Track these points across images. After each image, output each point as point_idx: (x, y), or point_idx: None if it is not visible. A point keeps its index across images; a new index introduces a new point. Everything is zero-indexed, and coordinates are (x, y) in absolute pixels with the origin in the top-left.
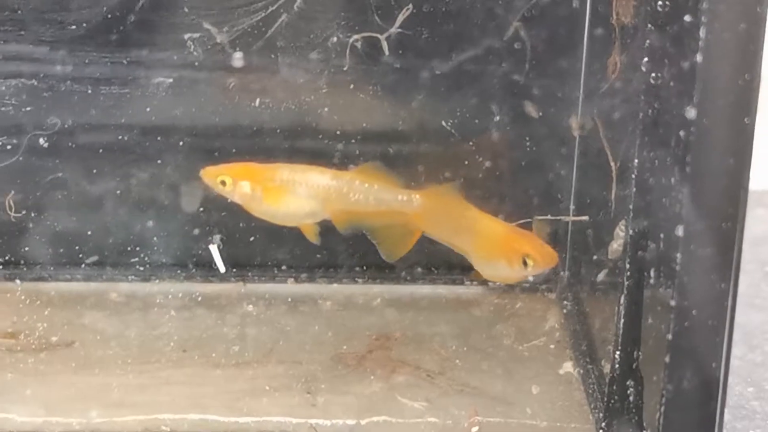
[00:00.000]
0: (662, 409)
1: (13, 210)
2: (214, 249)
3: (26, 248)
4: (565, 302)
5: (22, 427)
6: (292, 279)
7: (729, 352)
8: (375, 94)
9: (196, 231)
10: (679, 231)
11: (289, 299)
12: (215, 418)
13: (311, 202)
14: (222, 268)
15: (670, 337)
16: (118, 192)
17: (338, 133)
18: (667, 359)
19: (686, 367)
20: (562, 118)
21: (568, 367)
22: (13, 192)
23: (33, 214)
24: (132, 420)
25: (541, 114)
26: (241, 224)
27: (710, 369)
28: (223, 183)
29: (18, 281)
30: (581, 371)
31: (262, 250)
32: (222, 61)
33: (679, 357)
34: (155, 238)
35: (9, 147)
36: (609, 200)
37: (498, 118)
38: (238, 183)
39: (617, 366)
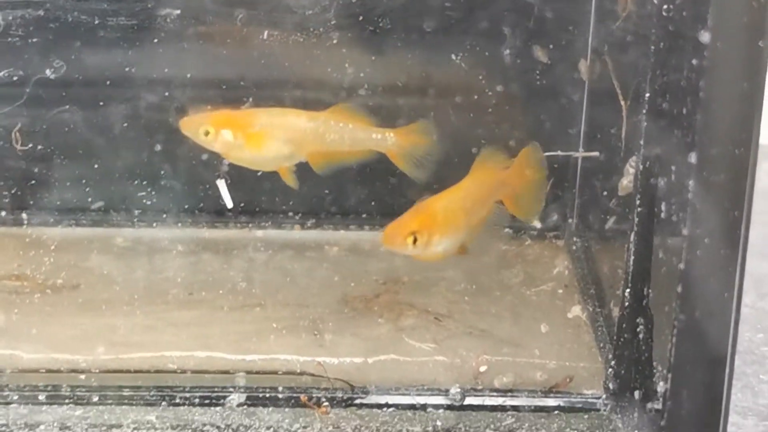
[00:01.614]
0: (674, 340)
1: (20, 143)
2: (221, 184)
3: (32, 193)
4: (573, 248)
5: (29, 363)
6: (299, 225)
7: (741, 281)
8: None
9: (202, 175)
10: (692, 158)
11: (296, 245)
12: (222, 355)
13: (290, 145)
14: (229, 203)
15: (682, 266)
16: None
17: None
18: (678, 289)
19: (698, 298)
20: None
21: (576, 310)
22: (20, 125)
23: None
24: (138, 357)
25: (549, 59)
26: (247, 170)
27: (722, 299)
28: (206, 133)
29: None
30: (589, 315)
31: (269, 196)
32: None
33: (690, 287)
34: (162, 183)
35: (15, 78)
36: (619, 140)
37: (508, 59)
38: (220, 132)
39: (627, 304)
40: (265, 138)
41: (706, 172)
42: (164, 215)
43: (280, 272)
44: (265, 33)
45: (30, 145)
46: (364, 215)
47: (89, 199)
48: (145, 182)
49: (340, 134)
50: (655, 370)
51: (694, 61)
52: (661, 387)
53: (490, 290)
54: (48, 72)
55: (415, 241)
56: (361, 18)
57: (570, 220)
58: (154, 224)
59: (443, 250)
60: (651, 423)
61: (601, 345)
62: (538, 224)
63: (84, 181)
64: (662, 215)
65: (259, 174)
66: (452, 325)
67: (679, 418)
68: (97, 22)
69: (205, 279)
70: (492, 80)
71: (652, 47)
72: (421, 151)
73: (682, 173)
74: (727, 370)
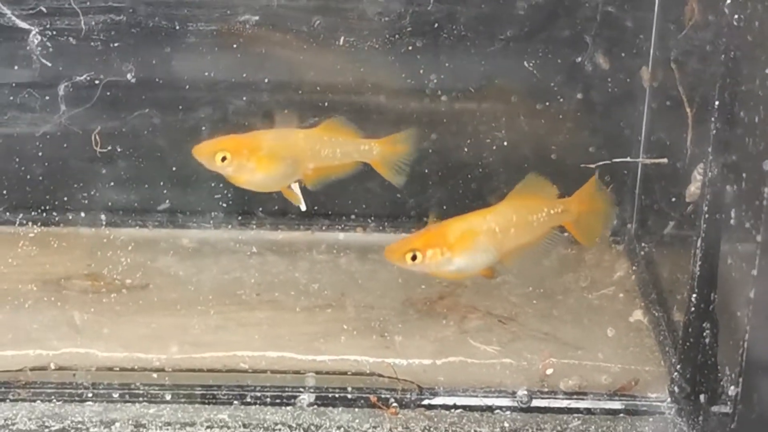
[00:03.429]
0: (745, 345)
1: (99, 145)
2: (295, 187)
3: (102, 195)
4: (633, 253)
5: (104, 362)
6: (361, 228)
7: None
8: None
9: None
10: (766, 165)
11: (358, 248)
12: (293, 355)
13: (294, 163)
14: (303, 206)
15: (755, 272)
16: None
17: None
18: (751, 294)
19: None
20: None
21: (638, 315)
22: (99, 127)
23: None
24: (210, 357)
25: (610, 65)
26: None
27: None
28: (224, 159)
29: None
30: (651, 319)
31: (331, 199)
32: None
33: (764, 292)
34: (227, 187)
35: (95, 81)
36: (684, 147)
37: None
38: (235, 157)
39: (693, 308)
40: (271, 160)
41: None
42: (229, 217)
43: (345, 274)
44: (341, 39)
45: (109, 147)
46: (425, 219)
47: (157, 201)
48: (213, 184)
49: (333, 148)
50: (721, 375)
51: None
52: (731, 391)
53: (552, 294)
54: (127, 76)
55: (414, 258)
56: (436, 25)
57: (629, 225)
58: (219, 225)
59: (457, 270)
60: (718, 426)
61: (664, 349)
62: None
63: (153, 182)
64: (732, 221)
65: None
66: (516, 328)
67: (749, 421)
68: (177, 27)
69: (272, 280)
70: (557, 88)
71: (723, 56)
72: (402, 159)
73: (755, 180)
74: None
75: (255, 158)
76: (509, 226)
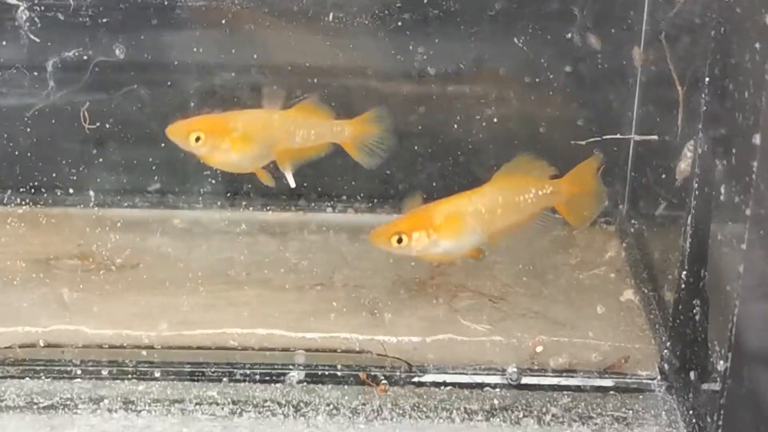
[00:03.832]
0: (734, 320)
1: (88, 122)
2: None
3: (92, 174)
4: (624, 233)
5: (93, 339)
6: (352, 209)
7: None
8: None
9: None
10: (756, 139)
11: (350, 228)
12: (282, 333)
13: (268, 144)
14: (292, 184)
15: (744, 246)
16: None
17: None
18: (740, 269)
19: (760, 277)
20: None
21: (628, 294)
22: (88, 103)
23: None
24: (200, 334)
25: (602, 44)
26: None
27: None
28: (197, 139)
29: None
30: (642, 298)
31: (323, 180)
32: None
33: (753, 267)
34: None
35: (83, 58)
36: (675, 125)
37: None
38: (209, 137)
39: (683, 285)
40: (246, 140)
41: None
42: (219, 197)
43: (337, 254)
44: (330, 15)
45: (97, 124)
46: (417, 198)
47: (148, 181)
48: (202, 164)
49: (307, 130)
50: (711, 351)
51: (757, 45)
52: (720, 366)
53: (543, 274)
54: (116, 53)
55: (400, 240)
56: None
57: (621, 206)
58: (211, 206)
59: (443, 252)
60: (708, 402)
61: (654, 327)
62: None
63: (143, 162)
64: (722, 198)
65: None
66: (506, 307)
67: (738, 396)
68: (166, 2)
69: (262, 259)
70: (547, 65)
71: (713, 31)
72: (373, 139)
73: (745, 155)
74: None
75: (229, 139)
76: (496, 207)
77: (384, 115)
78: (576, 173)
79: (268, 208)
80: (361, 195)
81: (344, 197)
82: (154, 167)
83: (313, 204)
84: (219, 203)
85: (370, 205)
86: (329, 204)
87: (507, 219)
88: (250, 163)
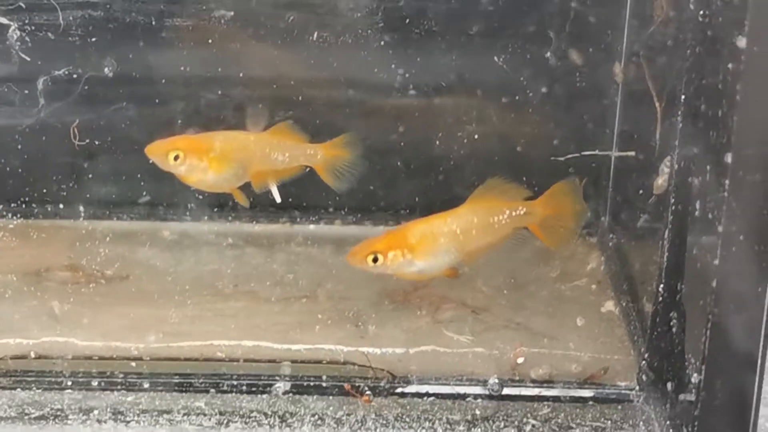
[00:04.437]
0: (708, 333)
1: (77, 138)
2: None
3: (82, 188)
4: (605, 245)
5: (83, 350)
6: (339, 221)
7: None
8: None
9: None
10: (728, 158)
11: (336, 240)
12: (269, 345)
13: (244, 165)
14: (278, 198)
15: (717, 262)
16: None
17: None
18: (713, 284)
19: (732, 293)
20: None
21: (609, 305)
22: (78, 121)
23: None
24: (188, 346)
25: (583, 61)
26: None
27: (755, 294)
28: (176, 158)
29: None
30: (622, 310)
31: (309, 192)
32: None
33: (725, 282)
34: None
35: (73, 76)
36: (652, 141)
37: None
38: (188, 157)
39: (661, 298)
40: (223, 161)
41: (741, 172)
42: (208, 210)
43: (322, 266)
44: (315, 35)
45: (87, 141)
46: (402, 211)
47: (137, 194)
48: None
49: (281, 152)
50: (687, 363)
51: (730, 65)
52: (694, 379)
53: (526, 285)
54: (105, 70)
55: (375, 260)
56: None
57: (603, 218)
58: (199, 218)
59: (418, 271)
60: (683, 413)
61: (634, 339)
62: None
63: (133, 175)
64: (697, 213)
65: (306, 170)
66: (489, 319)
67: (712, 408)
68: (154, 23)
69: (250, 272)
70: (529, 83)
71: (689, 51)
72: (344, 164)
73: (718, 172)
74: (759, 363)
75: (207, 159)
76: (470, 228)
77: (355, 140)
78: (550, 195)
79: (255, 220)
80: (347, 208)
81: (330, 210)
82: (143, 181)
83: (299, 217)
84: (207, 216)
85: (356, 218)
86: (315, 216)
87: (481, 239)
88: (227, 183)
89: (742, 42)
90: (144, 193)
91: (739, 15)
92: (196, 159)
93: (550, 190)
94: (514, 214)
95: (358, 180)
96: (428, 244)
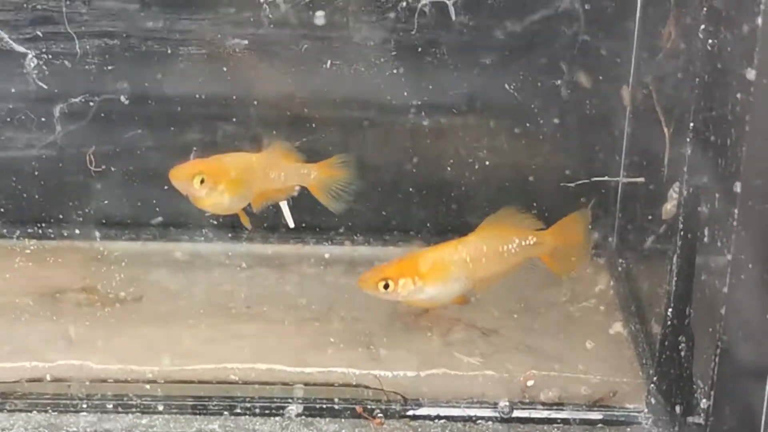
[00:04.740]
0: (716, 359)
1: (94, 164)
2: (284, 205)
3: (95, 210)
4: (614, 267)
5: (98, 373)
6: (349, 242)
7: None
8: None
9: None
10: (737, 187)
11: (347, 261)
12: (282, 368)
13: (251, 186)
14: (291, 224)
15: (725, 290)
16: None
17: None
18: (722, 311)
19: (740, 319)
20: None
21: (617, 327)
22: (94, 147)
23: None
24: (201, 369)
25: (591, 84)
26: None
27: (764, 321)
28: (202, 182)
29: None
30: (630, 332)
31: (320, 213)
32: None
33: (734, 309)
34: None
35: (89, 103)
36: (662, 165)
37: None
38: (210, 180)
39: (669, 322)
40: (236, 183)
41: (750, 201)
42: (220, 230)
43: (334, 288)
44: (329, 63)
45: (103, 167)
46: (411, 232)
47: (150, 215)
48: None
49: (278, 172)
50: (695, 387)
51: (739, 95)
52: (703, 404)
53: (534, 307)
54: (121, 98)
55: (386, 286)
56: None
57: (611, 240)
58: (212, 239)
59: (429, 299)
60: None
61: (643, 361)
62: None
63: (146, 197)
64: (705, 239)
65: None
66: (498, 341)
67: None
68: (170, 51)
69: (262, 293)
70: (538, 108)
71: (697, 80)
72: (338, 184)
73: (727, 200)
74: None
75: (225, 181)
76: (480, 256)
77: (350, 160)
78: (561, 225)
79: (268, 241)
80: (359, 229)
81: (342, 231)
82: (157, 202)
83: (311, 238)
84: (220, 237)
85: (368, 239)
86: (327, 237)
87: (491, 268)
88: (238, 205)
89: (751, 74)
90: (156, 215)
91: (748, 47)
92: (217, 182)
93: (561, 221)
94: (524, 243)
95: (352, 200)
96: (439, 272)
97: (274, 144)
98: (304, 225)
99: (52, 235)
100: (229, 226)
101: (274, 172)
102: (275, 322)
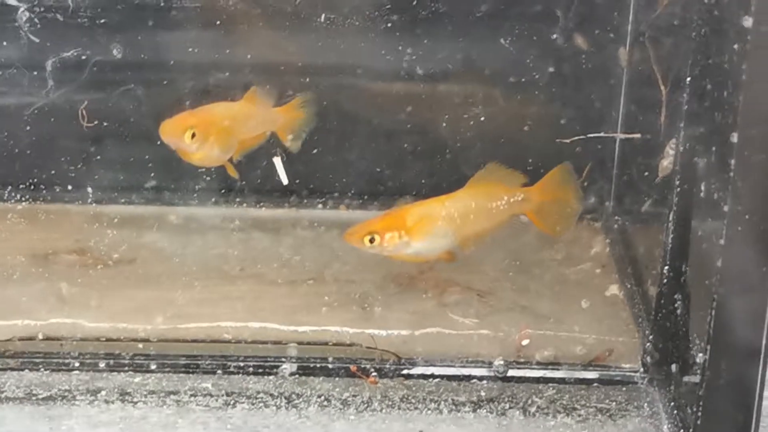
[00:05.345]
0: (713, 313)
1: (86, 120)
2: (278, 161)
3: (89, 172)
4: (610, 229)
5: (91, 332)
6: (344, 206)
7: None
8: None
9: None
10: (734, 138)
11: (342, 225)
12: (275, 326)
13: (236, 135)
14: (285, 180)
15: (722, 242)
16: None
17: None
18: (719, 263)
19: (737, 272)
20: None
21: (613, 289)
22: (86, 102)
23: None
24: (195, 327)
25: (589, 46)
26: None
27: (761, 273)
28: (193, 135)
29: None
30: (626, 293)
31: (315, 176)
32: None
33: (730, 261)
34: None
35: (81, 58)
36: (656, 124)
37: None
38: (202, 133)
39: (665, 280)
40: (225, 133)
41: (747, 152)
42: (214, 193)
43: (328, 250)
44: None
45: (95, 122)
46: (408, 195)
47: (144, 178)
48: None
49: (255, 119)
50: (691, 344)
51: (736, 45)
52: (699, 358)
53: (530, 269)
54: (113, 52)
55: (372, 240)
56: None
57: (607, 203)
58: (205, 202)
59: (414, 253)
60: (688, 394)
61: (638, 321)
62: None
63: (140, 159)
64: (702, 194)
65: (315, 151)
66: (494, 302)
67: (716, 388)
68: (162, 3)
69: (256, 255)
70: (534, 65)
71: (694, 33)
72: (299, 124)
73: (723, 153)
74: (764, 343)
75: (215, 133)
76: (468, 212)
77: (309, 100)
78: (546, 181)
79: (261, 204)
80: (352, 192)
81: (336, 194)
82: (150, 164)
83: (305, 200)
84: (213, 200)
85: (361, 201)
86: (321, 200)
87: (478, 224)
88: (225, 156)
89: (748, 22)
90: (150, 178)
91: None
92: (208, 134)
93: (546, 176)
94: (511, 200)
95: (308, 137)
96: (425, 227)
97: (250, 91)
98: (297, 182)
99: (45, 196)
100: (223, 189)
101: (252, 120)
102: (269, 282)
